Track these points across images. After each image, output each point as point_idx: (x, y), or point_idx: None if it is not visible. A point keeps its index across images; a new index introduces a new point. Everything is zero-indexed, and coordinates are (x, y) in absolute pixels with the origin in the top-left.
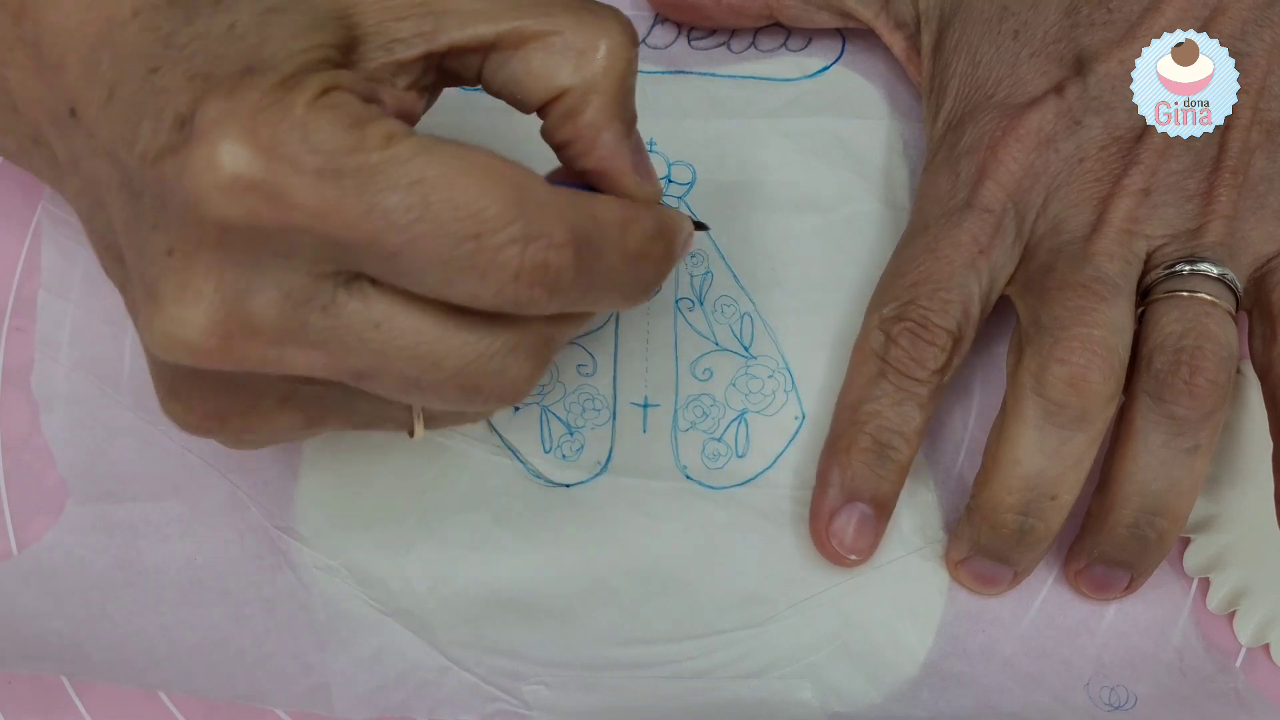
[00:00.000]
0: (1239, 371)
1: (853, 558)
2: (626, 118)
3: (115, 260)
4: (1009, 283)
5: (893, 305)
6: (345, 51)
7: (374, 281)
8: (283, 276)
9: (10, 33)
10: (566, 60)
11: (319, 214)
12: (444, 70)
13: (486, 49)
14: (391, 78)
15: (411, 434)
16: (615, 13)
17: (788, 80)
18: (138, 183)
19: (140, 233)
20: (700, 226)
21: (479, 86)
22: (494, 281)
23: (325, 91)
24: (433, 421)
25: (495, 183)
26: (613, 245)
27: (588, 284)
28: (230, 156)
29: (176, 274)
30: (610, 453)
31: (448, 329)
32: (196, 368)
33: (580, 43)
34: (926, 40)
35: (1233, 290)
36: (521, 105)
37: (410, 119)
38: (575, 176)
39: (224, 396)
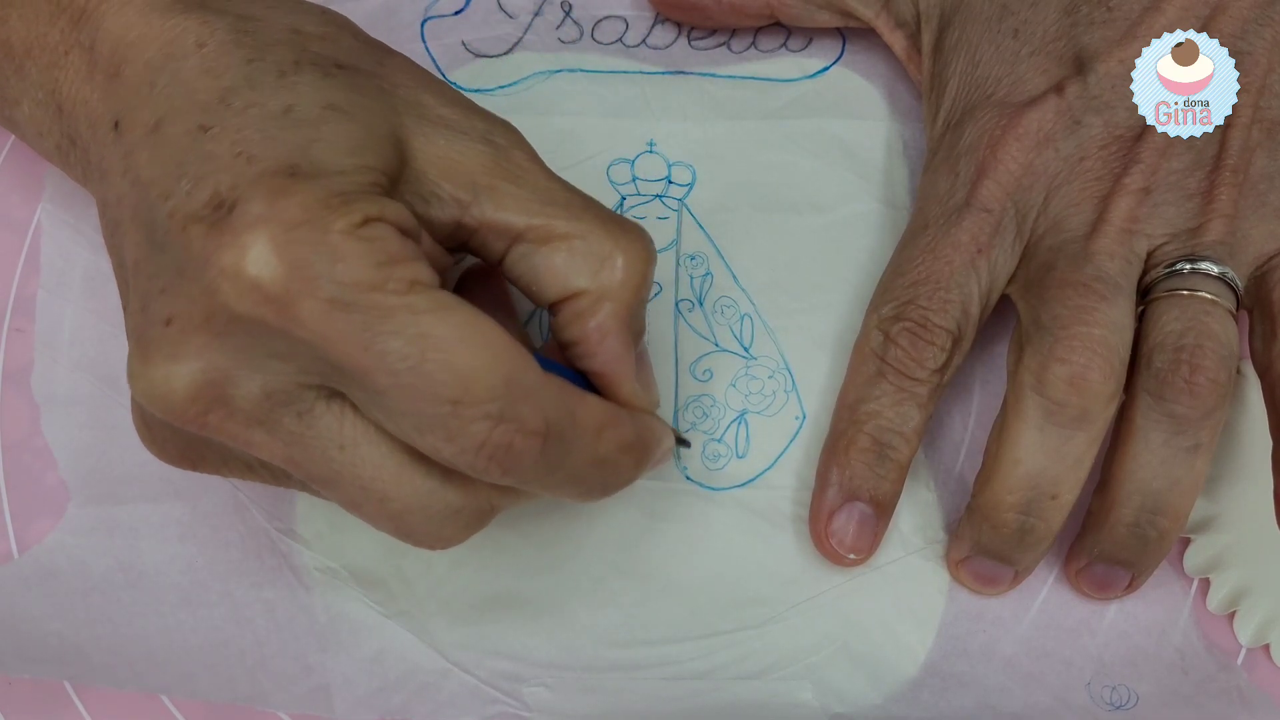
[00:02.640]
0: (1239, 371)
1: (852, 557)
2: (635, 328)
3: (124, 278)
4: (1009, 282)
5: (892, 305)
6: (393, 180)
7: (353, 405)
8: (270, 377)
9: (69, 37)
10: (586, 264)
11: (322, 337)
12: (468, 245)
13: (514, 237)
14: (418, 230)
15: None
16: (639, 229)
17: (788, 81)
18: (160, 235)
19: (150, 285)
20: (681, 442)
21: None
22: (457, 445)
23: (366, 222)
24: None
25: (491, 360)
26: (582, 447)
27: (546, 473)
28: (256, 263)
29: (170, 343)
30: None
31: (404, 472)
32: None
33: (602, 250)
34: (927, 39)
35: (1233, 289)
36: (536, 298)
37: (440, 267)
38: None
39: (197, 447)
